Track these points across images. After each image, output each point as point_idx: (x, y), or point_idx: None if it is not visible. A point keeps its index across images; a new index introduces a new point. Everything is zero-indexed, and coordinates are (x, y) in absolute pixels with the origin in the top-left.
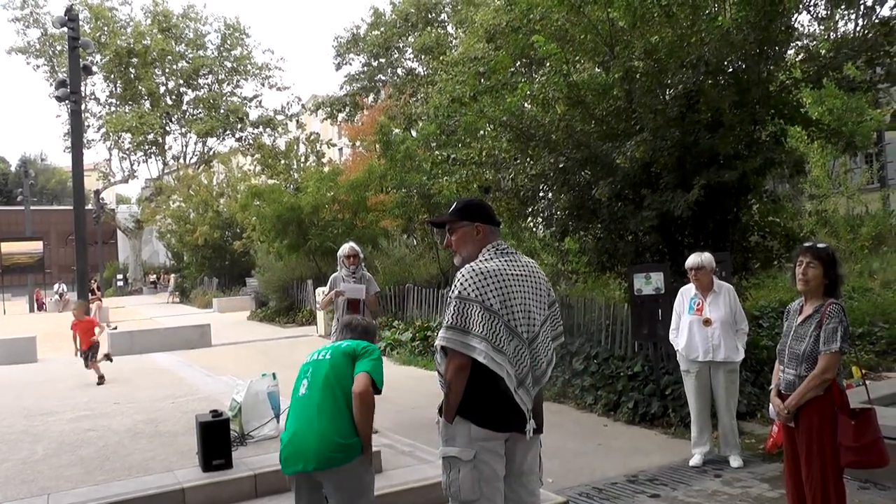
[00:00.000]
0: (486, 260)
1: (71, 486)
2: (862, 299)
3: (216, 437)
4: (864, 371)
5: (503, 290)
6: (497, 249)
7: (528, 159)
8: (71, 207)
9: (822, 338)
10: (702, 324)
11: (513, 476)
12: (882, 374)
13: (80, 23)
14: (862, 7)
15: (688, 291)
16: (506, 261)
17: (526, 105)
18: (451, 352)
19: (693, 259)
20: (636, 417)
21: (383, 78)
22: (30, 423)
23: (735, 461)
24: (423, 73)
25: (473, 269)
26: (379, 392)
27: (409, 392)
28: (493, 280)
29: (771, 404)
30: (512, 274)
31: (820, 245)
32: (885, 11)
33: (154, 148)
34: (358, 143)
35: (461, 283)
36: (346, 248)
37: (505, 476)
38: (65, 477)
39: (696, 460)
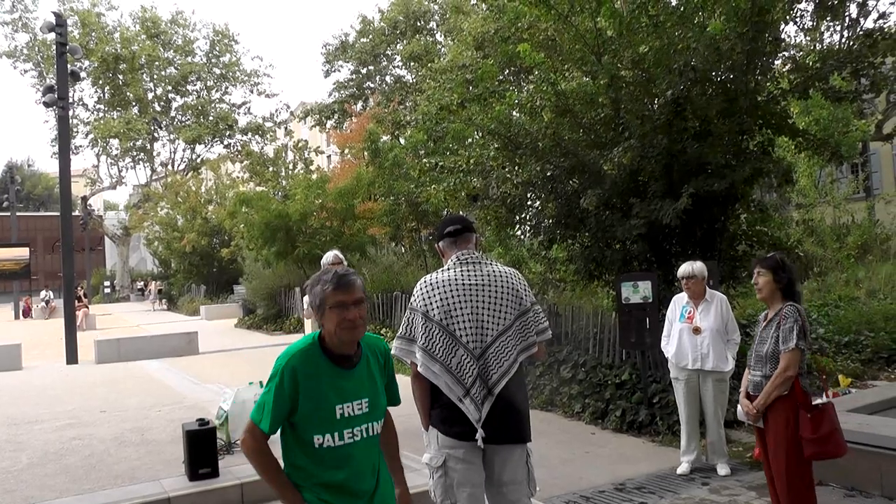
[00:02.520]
0: (443, 270)
1: (55, 495)
2: (848, 308)
3: (203, 446)
4: (822, 377)
5: (448, 300)
6: (458, 259)
7: (515, 167)
8: (58, 214)
9: (780, 337)
10: (691, 332)
11: (493, 486)
12: (868, 383)
13: (69, 28)
14: (847, 19)
15: (680, 299)
16: (463, 271)
17: (514, 113)
18: (410, 360)
19: (685, 268)
20: (624, 425)
21: (372, 85)
22: (14, 431)
23: (722, 469)
24: (411, 81)
25: (425, 280)
26: (266, 434)
27: None
28: (439, 290)
29: (740, 406)
30: (466, 284)
31: (768, 255)
32: (868, 23)
33: (142, 154)
34: (346, 151)
35: (413, 294)
36: (330, 256)
37: (486, 485)
38: (49, 486)
39: (683, 468)
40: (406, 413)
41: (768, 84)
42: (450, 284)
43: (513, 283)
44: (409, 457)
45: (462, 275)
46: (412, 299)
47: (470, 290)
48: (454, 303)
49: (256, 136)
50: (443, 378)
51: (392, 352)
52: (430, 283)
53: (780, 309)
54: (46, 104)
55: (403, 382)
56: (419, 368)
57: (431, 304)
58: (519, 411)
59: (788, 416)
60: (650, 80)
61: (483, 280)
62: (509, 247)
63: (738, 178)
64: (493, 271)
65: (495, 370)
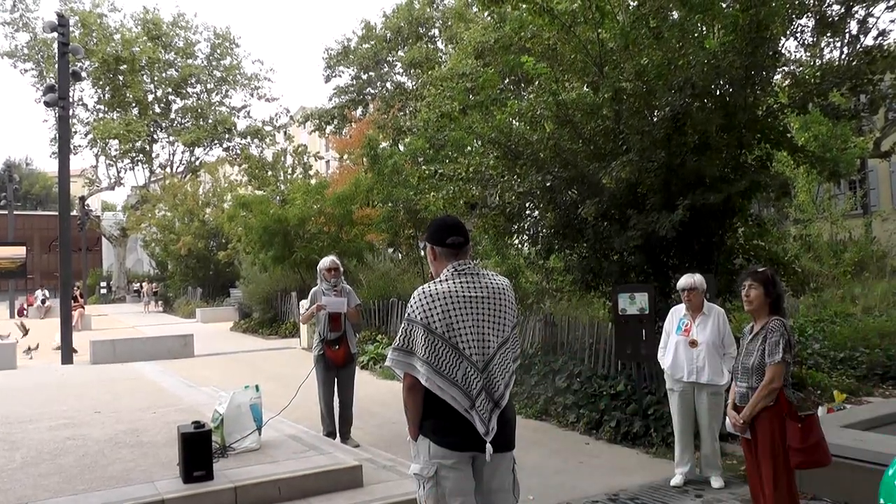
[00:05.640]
0: (440, 281)
1: (50, 495)
2: (843, 324)
3: (198, 449)
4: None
5: (450, 313)
6: (455, 270)
7: (515, 177)
8: (55, 213)
9: (766, 350)
10: (688, 345)
11: (481, 494)
12: (862, 399)
13: (70, 28)
14: (847, 36)
15: (678, 311)
16: (462, 282)
17: (514, 122)
18: (403, 372)
19: (685, 280)
20: (618, 436)
21: (372, 91)
22: (7, 430)
23: (716, 482)
24: (411, 88)
25: (423, 291)
26: None
27: (391, 406)
28: (440, 302)
29: (728, 418)
30: (465, 296)
31: (759, 269)
32: (868, 41)
33: (141, 155)
34: (345, 156)
35: (410, 305)
36: (326, 261)
37: (475, 493)
38: (43, 486)
39: (677, 480)
40: (404, 419)
41: (767, 99)
42: (450, 296)
43: (509, 297)
44: (403, 463)
45: (462, 286)
46: (410, 310)
47: (471, 302)
48: (456, 315)
49: (255, 140)
50: (448, 392)
51: (387, 363)
52: (430, 295)
53: (767, 322)
54: (47, 104)
55: (391, 387)
56: (424, 382)
57: (432, 316)
58: (509, 420)
59: (774, 426)
60: (650, 93)
61: (483, 292)
62: (506, 256)
63: (735, 192)
64: (492, 283)
65: (501, 383)
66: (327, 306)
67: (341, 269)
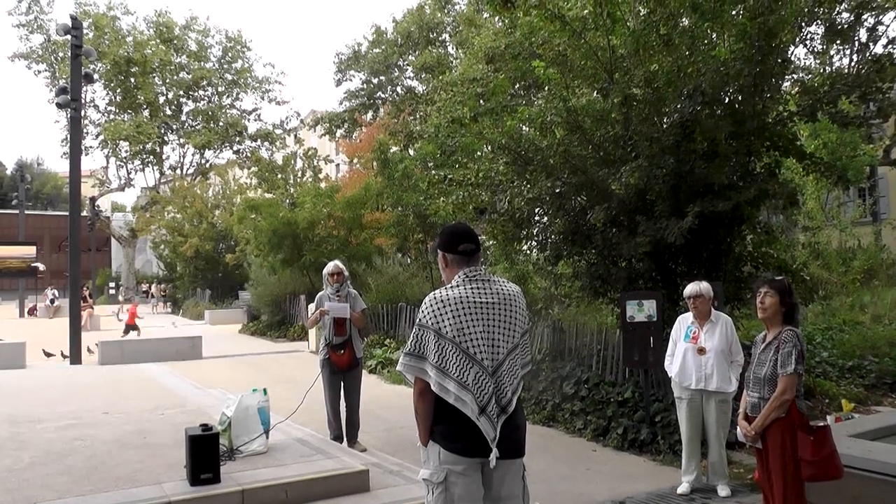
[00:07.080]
0: (451, 287)
1: (57, 495)
2: (852, 332)
3: (205, 451)
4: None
5: (461, 318)
6: (466, 276)
7: (524, 182)
8: (65, 213)
9: (779, 361)
10: (696, 352)
11: (491, 500)
12: (871, 408)
13: (83, 30)
14: (856, 43)
15: (685, 319)
16: (472, 288)
17: (524, 128)
18: (415, 376)
19: (692, 287)
20: (625, 443)
21: (383, 95)
22: (15, 430)
23: (723, 490)
24: (422, 92)
25: (434, 297)
26: None
27: (398, 411)
28: (451, 308)
29: (738, 427)
30: (476, 302)
31: (776, 277)
32: (878, 49)
33: (151, 157)
34: (355, 160)
35: (421, 311)
36: (330, 266)
37: (484, 499)
38: (50, 486)
39: (683, 488)
40: (411, 423)
41: (777, 106)
42: (461, 302)
43: (519, 303)
44: (410, 468)
45: (473, 292)
46: (421, 316)
47: (481, 307)
48: (467, 321)
49: (266, 143)
50: (460, 396)
51: (398, 367)
52: (441, 301)
53: (780, 332)
54: (59, 105)
55: (398, 392)
56: (433, 387)
57: (443, 321)
58: (519, 426)
59: (785, 437)
60: (660, 100)
61: (494, 298)
62: (515, 261)
63: (743, 200)
64: (503, 289)
65: (508, 388)
66: (330, 311)
67: (346, 273)
